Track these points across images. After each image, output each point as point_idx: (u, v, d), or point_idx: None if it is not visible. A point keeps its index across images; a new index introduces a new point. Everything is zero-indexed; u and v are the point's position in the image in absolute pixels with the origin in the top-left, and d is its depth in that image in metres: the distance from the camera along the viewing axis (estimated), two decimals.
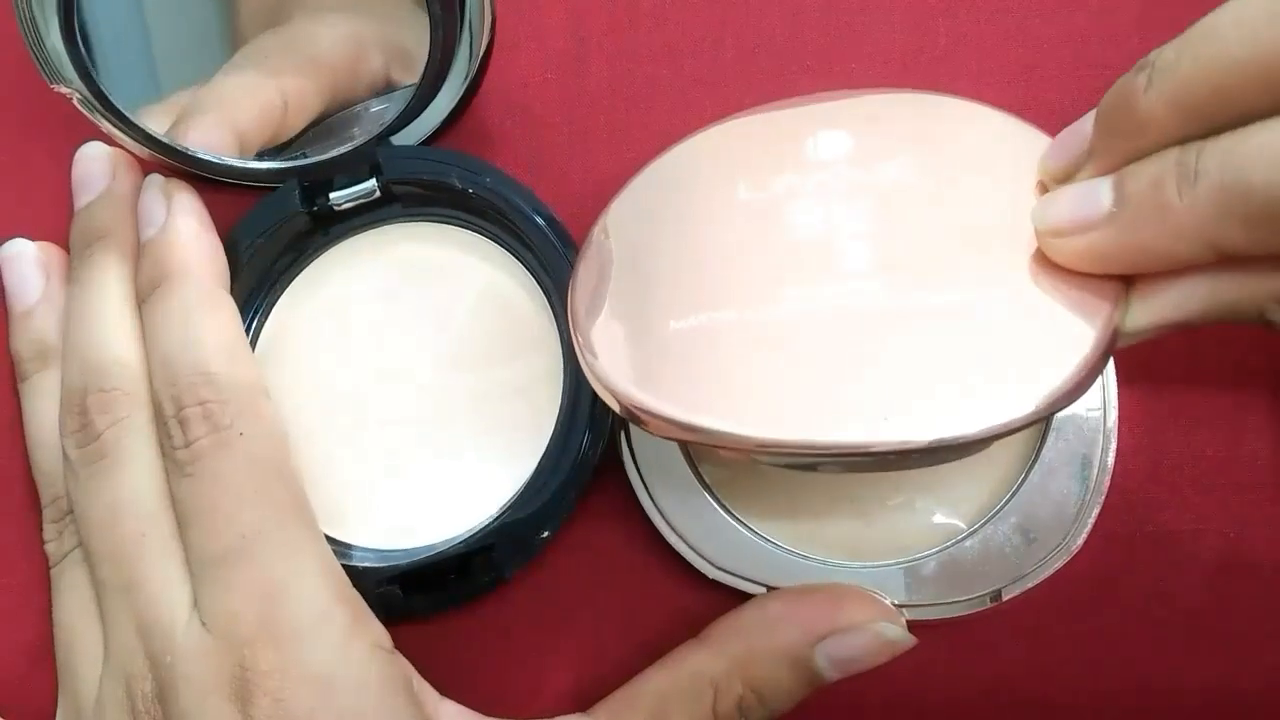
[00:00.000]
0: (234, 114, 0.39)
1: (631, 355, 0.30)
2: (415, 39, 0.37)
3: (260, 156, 0.39)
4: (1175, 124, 0.26)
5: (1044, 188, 0.30)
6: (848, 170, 0.31)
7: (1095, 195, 0.27)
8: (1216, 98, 0.25)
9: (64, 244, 0.40)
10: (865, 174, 0.31)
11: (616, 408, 0.29)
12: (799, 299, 0.29)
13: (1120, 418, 0.35)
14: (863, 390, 0.28)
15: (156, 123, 0.39)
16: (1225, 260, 0.26)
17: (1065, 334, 0.27)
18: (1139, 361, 0.35)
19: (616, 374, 0.29)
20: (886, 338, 0.28)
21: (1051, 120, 0.30)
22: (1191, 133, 0.26)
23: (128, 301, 0.37)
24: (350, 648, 0.31)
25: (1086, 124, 0.28)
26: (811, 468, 0.33)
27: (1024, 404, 0.27)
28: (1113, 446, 0.35)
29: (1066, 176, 0.29)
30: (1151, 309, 0.27)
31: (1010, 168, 0.30)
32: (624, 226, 0.32)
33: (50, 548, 0.37)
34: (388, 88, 0.40)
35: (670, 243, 0.31)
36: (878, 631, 0.33)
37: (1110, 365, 0.35)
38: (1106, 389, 0.35)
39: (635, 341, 0.30)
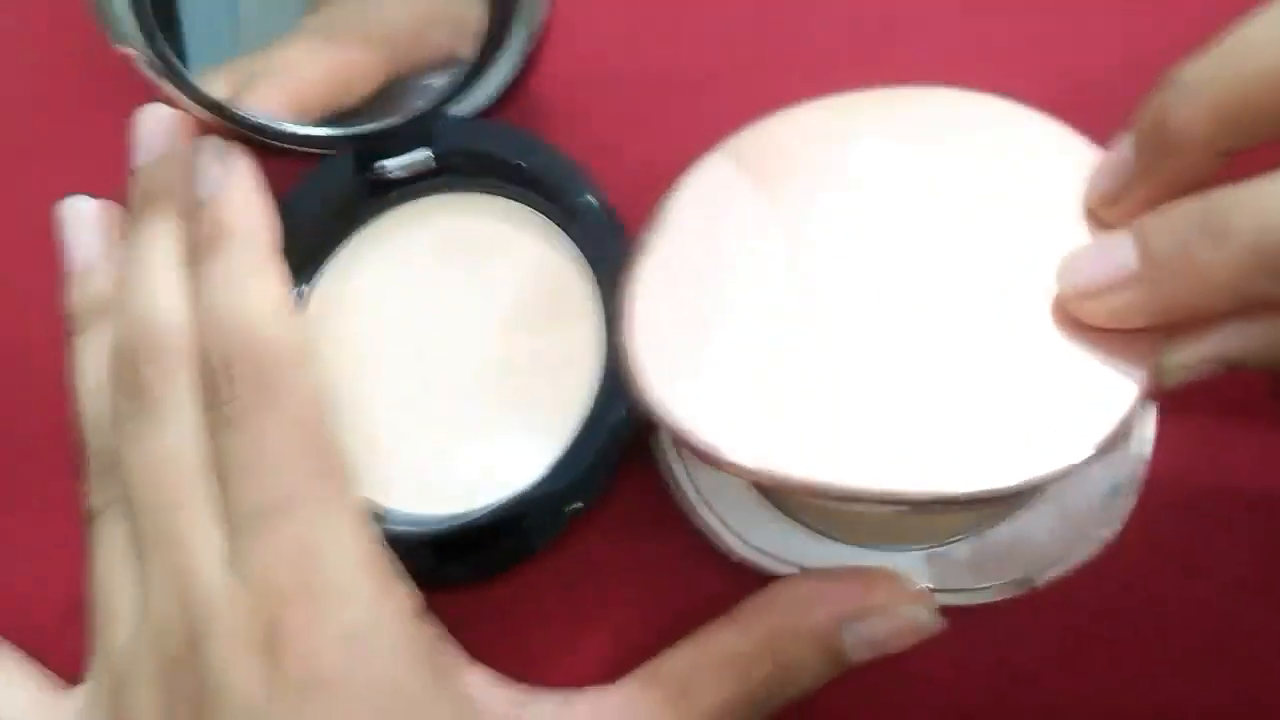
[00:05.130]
0: (297, 82, 0.40)
1: (680, 375, 0.29)
2: (479, 13, 0.37)
3: (316, 123, 0.40)
4: (1216, 138, 0.26)
5: (1092, 214, 0.30)
6: (900, 183, 0.31)
7: (1119, 256, 0.27)
8: (1255, 111, 0.25)
9: (123, 204, 0.41)
10: (917, 189, 0.31)
11: (664, 429, 0.29)
12: (849, 333, 0.29)
13: (1159, 405, 0.35)
14: (912, 436, 0.28)
15: (217, 87, 0.39)
16: (1266, 306, 0.26)
17: (1109, 377, 0.27)
18: None
19: (666, 397, 0.29)
20: (936, 380, 0.28)
21: (1100, 120, 0.30)
22: (1233, 145, 0.26)
23: (180, 261, 0.37)
24: (381, 609, 0.32)
25: (1128, 146, 0.29)
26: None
27: (1076, 452, 0.27)
28: (1150, 435, 0.34)
29: (1115, 199, 0.29)
30: (1193, 350, 0.28)
31: (1059, 187, 0.30)
32: (679, 231, 0.32)
33: (91, 501, 0.37)
34: (451, 61, 0.40)
35: (722, 258, 0.31)
36: (906, 614, 0.32)
37: None
38: None
39: (686, 362, 0.30)
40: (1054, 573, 0.34)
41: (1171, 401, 0.29)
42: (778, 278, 0.30)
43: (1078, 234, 0.29)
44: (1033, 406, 0.27)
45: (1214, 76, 0.26)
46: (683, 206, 0.32)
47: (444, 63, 0.40)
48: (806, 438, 0.28)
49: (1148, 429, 0.35)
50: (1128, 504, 0.34)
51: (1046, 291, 0.29)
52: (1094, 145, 0.31)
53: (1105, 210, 0.30)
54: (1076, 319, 0.28)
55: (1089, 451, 0.27)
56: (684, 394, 0.29)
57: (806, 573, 0.34)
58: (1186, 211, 0.26)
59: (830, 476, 0.27)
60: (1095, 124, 0.31)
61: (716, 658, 0.33)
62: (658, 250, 0.32)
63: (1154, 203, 0.28)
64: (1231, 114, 0.25)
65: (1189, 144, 0.26)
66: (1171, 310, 0.27)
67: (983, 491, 0.27)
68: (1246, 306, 0.26)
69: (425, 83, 0.40)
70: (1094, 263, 0.28)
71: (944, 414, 0.28)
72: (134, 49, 0.38)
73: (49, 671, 0.38)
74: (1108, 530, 0.34)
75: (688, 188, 0.33)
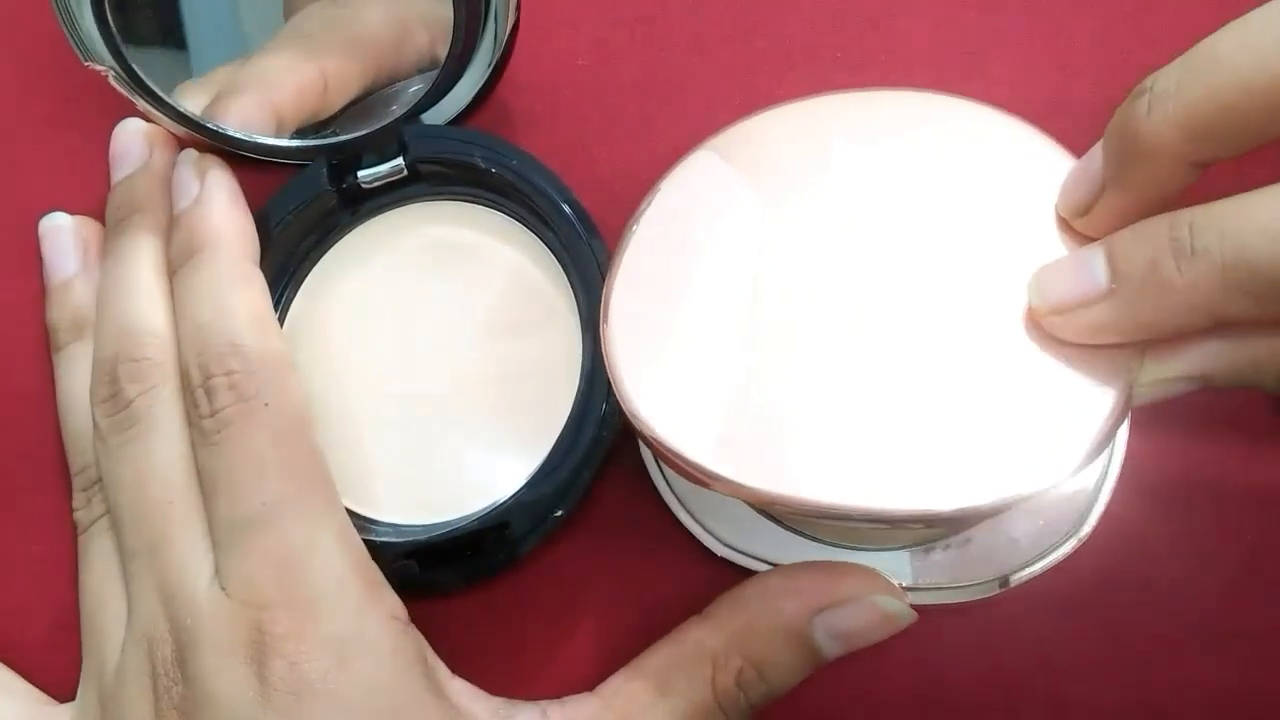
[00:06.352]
0: (273, 94, 0.40)
1: (659, 388, 0.29)
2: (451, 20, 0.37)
3: (291, 135, 0.40)
4: (1185, 147, 0.26)
5: (1063, 221, 0.30)
6: (875, 189, 0.31)
7: (1090, 272, 0.27)
8: (1225, 121, 0.25)
9: (101, 218, 0.41)
10: (892, 195, 0.31)
11: (640, 440, 0.29)
12: (829, 346, 0.29)
13: (1135, 406, 0.35)
14: (893, 454, 0.28)
15: (192, 101, 0.39)
16: (1238, 324, 0.26)
17: (1088, 391, 0.27)
18: None
19: (647, 412, 0.29)
20: (917, 395, 0.28)
21: (1084, 120, 0.30)
22: (1202, 155, 0.26)
23: (160, 273, 0.38)
24: (366, 617, 0.32)
25: (1098, 156, 0.28)
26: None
27: (1057, 468, 0.27)
28: (1123, 434, 0.35)
29: (1085, 210, 0.29)
30: (1168, 366, 0.28)
31: (1035, 195, 0.30)
32: (656, 237, 0.32)
33: (79, 515, 0.38)
34: (432, 68, 0.39)
35: (700, 265, 0.31)
36: (876, 604, 0.32)
37: None
38: None
39: (664, 376, 0.30)
40: (1029, 572, 0.34)
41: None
42: (755, 287, 0.30)
43: (1051, 244, 0.29)
44: (1014, 421, 0.27)
45: (1183, 86, 0.25)
46: (659, 212, 0.32)
47: (421, 70, 0.40)
48: (787, 454, 0.28)
49: (1120, 428, 0.35)
50: (1100, 504, 0.34)
51: (1023, 303, 0.29)
52: (1069, 153, 0.31)
53: (1076, 220, 0.29)
54: (1046, 338, 0.28)
55: (1070, 468, 0.27)
56: (663, 408, 0.29)
57: (779, 568, 0.34)
58: (1156, 229, 0.26)
59: (811, 494, 0.27)
60: (1071, 131, 0.31)
61: (690, 654, 0.33)
62: (635, 257, 0.32)
63: (1125, 215, 0.28)
64: (1200, 124, 0.25)
65: (1158, 154, 0.26)
66: (1143, 328, 0.27)
67: (965, 510, 0.27)
68: (1218, 324, 0.26)
69: (400, 92, 0.40)
70: (1065, 278, 0.28)
71: (925, 430, 0.28)
72: (104, 66, 0.38)
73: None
74: (1084, 528, 0.34)
75: (664, 193, 0.32)
